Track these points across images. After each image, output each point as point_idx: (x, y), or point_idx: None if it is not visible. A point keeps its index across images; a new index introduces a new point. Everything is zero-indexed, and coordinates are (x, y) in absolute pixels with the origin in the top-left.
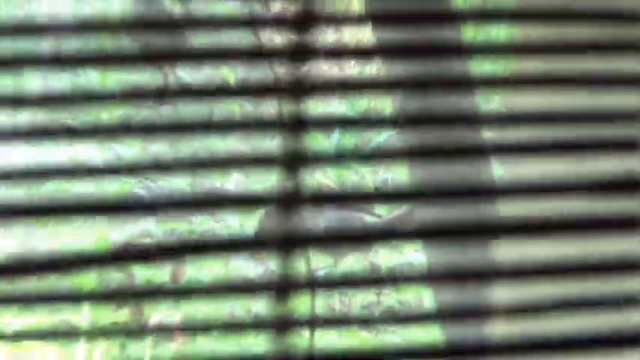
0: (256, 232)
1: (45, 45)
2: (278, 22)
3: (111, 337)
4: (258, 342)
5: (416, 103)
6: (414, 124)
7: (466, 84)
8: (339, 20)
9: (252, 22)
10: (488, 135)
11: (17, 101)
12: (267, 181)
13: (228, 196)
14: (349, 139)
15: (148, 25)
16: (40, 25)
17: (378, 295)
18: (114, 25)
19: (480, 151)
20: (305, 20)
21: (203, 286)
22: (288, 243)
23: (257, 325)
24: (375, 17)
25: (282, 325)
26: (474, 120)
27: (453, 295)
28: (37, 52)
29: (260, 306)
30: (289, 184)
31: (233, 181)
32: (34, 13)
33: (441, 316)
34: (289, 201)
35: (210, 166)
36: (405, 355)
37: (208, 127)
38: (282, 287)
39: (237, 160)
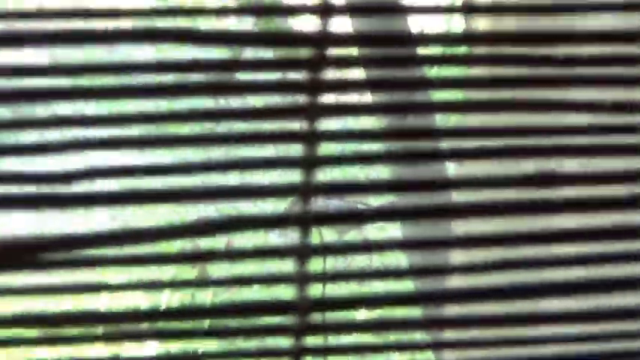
0: (284, 213)
1: (134, 79)
2: (300, 64)
3: (184, 288)
4: (287, 292)
5: (395, 122)
6: (394, 137)
7: (429, 108)
8: (343, 62)
9: (280, 64)
10: (445, 144)
11: (117, 120)
12: (292, 177)
13: (264, 188)
14: (351, 148)
15: (207, 66)
16: (131, 64)
17: (370, 259)
18: (183, 66)
19: (439, 156)
20: (319, 62)
21: (248, 252)
22: (307, 221)
23: (285, 280)
24: (365, 61)
25: (303, 280)
26: (435, 133)
27: (422, 258)
28: (130, 84)
29: (287, 266)
30: (307, 180)
31: (268, 177)
32: (129, 56)
33: (413, 273)
34: (307, 192)
35: (251, 166)
36: (387, 300)
37: (250, 138)
38: (302, 253)
39: (271, 162)
